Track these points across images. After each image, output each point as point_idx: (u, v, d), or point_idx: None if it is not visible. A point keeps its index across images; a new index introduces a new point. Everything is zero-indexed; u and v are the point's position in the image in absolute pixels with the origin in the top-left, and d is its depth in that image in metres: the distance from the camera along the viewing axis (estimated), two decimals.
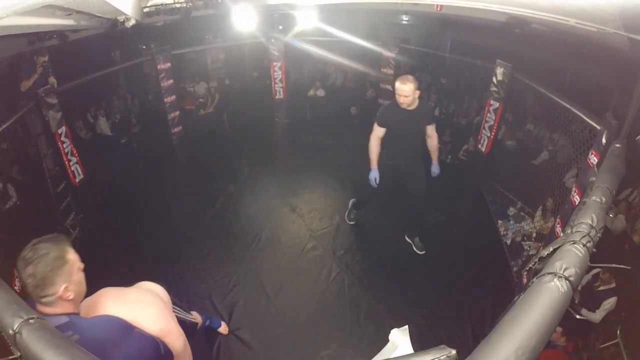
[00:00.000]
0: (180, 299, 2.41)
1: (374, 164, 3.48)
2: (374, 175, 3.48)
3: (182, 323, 1.96)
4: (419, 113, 3.24)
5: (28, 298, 1.32)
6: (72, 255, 1.36)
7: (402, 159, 3.46)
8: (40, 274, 1.24)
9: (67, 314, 1.32)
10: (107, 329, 1.35)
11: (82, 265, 1.41)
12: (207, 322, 2.88)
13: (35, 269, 1.24)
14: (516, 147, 5.30)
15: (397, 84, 3.09)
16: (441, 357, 0.94)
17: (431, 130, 3.44)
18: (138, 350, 1.37)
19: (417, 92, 3.13)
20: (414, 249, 3.89)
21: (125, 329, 1.39)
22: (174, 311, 1.87)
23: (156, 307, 1.58)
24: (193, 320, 2.30)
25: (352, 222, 4.23)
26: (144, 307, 1.53)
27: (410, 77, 3.09)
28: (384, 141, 3.43)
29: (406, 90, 3.07)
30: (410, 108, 3.17)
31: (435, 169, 3.58)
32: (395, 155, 3.47)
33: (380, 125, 3.37)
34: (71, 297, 1.32)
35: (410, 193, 3.58)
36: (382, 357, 1.55)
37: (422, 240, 3.88)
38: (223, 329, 3.02)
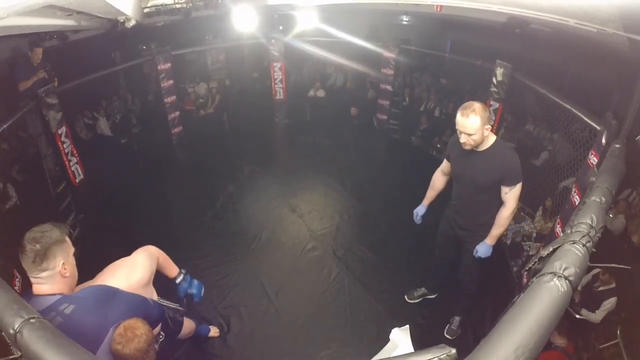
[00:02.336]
0: (180, 299, 2.44)
1: (425, 199, 2.81)
2: (418, 210, 2.82)
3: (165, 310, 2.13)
4: (490, 159, 2.24)
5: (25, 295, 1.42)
6: (69, 239, 1.54)
7: (456, 215, 2.62)
8: (44, 247, 1.40)
9: (61, 294, 1.45)
10: (96, 294, 1.52)
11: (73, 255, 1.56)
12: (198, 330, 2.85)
13: (40, 243, 1.40)
14: (515, 148, 5.29)
15: (458, 115, 2.17)
16: (441, 356, 0.95)
17: (507, 194, 2.29)
18: (128, 305, 1.54)
19: (488, 129, 2.17)
20: (445, 329, 3.06)
21: (112, 291, 1.56)
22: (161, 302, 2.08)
23: (129, 262, 1.78)
24: (177, 307, 2.37)
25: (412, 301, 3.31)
26: (125, 267, 1.74)
27: (476, 106, 2.11)
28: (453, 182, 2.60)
29: (469, 126, 2.12)
30: (479, 149, 2.26)
31: (483, 249, 2.51)
32: (452, 205, 2.66)
33: (445, 157, 2.57)
34: (67, 274, 1.47)
35: (461, 265, 2.78)
36: (383, 356, 1.56)
37: (460, 324, 3.04)
38: (213, 332, 3.01)
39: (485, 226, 2.49)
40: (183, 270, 2.21)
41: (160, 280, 2.08)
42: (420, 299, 3.31)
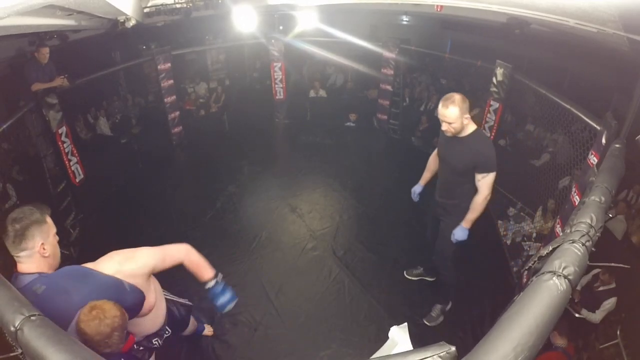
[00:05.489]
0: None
1: (421, 180, 3.01)
2: (415, 189, 3.03)
3: (174, 305, 2.24)
4: (467, 146, 2.43)
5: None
6: (50, 220, 1.57)
7: (436, 193, 2.83)
8: (22, 227, 1.45)
9: (40, 273, 1.48)
10: (67, 274, 1.53)
11: (56, 236, 1.61)
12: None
13: (20, 223, 1.45)
14: (514, 148, 5.30)
15: (439, 106, 2.37)
16: (441, 354, 0.95)
17: (480, 181, 2.46)
18: (96, 287, 1.51)
19: (467, 118, 2.37)
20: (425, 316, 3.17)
21: (84, 272, 1.56)
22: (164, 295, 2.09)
23: (129, 253, 1.77)
24: (185, 302, 2.41)
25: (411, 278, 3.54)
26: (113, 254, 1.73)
27: (456, 98, 2.31)
28: None
29: (448, 116, 2.33)
30: (459, 136, 2.44)
31: (459, 232, 2.64)
32: (437, 186, 2.85)
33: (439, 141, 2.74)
34: (47, 254, 1.51)
35: (435, 245, 2.96)
36: (382, 354, 1.56)
37: (441, 312, 3.16)
38: (208, 331, 3.01)
39: (459, 207, 2.64)
40: (218, 278, 2.07)
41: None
42: (418, 278, 3.50)
